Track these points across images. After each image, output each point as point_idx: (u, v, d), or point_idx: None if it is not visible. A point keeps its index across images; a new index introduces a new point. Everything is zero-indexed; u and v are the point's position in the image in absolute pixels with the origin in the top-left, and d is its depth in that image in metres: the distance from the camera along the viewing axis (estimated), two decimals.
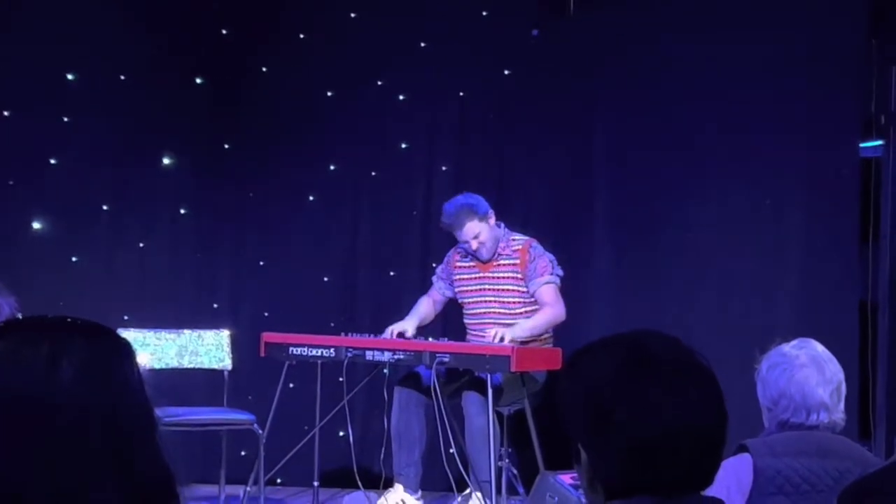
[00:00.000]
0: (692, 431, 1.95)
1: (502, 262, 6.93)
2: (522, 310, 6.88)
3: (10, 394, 1.54)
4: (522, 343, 6.64)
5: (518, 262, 6.89)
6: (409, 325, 6.89)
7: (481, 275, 6.98)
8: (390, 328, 6.86)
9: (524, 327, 6.73)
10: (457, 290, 7.10)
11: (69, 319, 1.64)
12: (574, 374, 2.03)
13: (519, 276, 6.88)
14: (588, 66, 7.71)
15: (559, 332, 6.96)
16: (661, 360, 1.99)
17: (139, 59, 7.91)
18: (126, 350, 1.64)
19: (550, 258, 6.90)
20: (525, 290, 6.88)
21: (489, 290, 6.95)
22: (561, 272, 6.91)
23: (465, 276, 7.05)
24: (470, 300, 7.03)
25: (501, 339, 6.56)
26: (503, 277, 6.91)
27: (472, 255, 6.96)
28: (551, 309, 6.83)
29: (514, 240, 6.97)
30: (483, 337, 6.83)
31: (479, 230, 6.85)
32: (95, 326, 1.64)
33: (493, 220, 6.91)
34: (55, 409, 1.54)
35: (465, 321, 7.07)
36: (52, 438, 1.52)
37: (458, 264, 7.09)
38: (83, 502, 1.52)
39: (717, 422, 1.99)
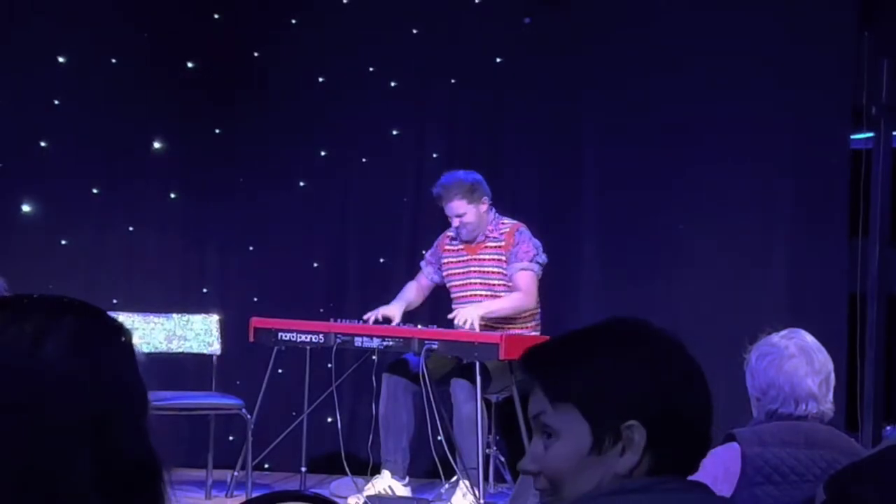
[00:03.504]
0: (711, 407, 1.99)
1: (489, 244, 6.96)
2: (507, 293, 6.91)
3: None
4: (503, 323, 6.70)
5: (503, 243, 6.92)
6: (395, 311, 6.91)
7: (468, 257, 7.01)
8: (373, 312, 6.87)
9: (489, 309, 6.77)
10: (444, 273, 7.12)
11: (59, 298, 1.63)
12: (624, 356, 2.00)
13: (504, 258, 6.91)
14: (580, 55, 7.70)
15: (546, 321, 6.98)
16: (679, 343, 2.02)
17: (131, 43, 7.89)
18: (117, 333, 1.63)
19: (536, 244, 6.92)
20: None
21: (475, 272, 6.97)
22: (544, 259, 6.92)
23: (453, 260, 7.07)
24: (456, 283, 7.05)
25: (466, 323, 6.63)
26: (489, 260, 6.94)
27: (455, 231, 6.98)
28: (520, 296, 6.86)
29: (503, 223, 7.00)
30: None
31: (464, 210, 6.87)
32: (86, 306, 1.63)
33: (484, 207, 6.92)
34: (37, 387, 1.53)
35: (453, 306, 7.08)
36: (31, 417, 1.52)
37: (447, 247, 7.11)
38: (60, 483, 1.52)
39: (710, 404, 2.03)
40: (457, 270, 7.06)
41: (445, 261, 7.12)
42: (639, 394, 1.94)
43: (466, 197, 6.87)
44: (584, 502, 1.94)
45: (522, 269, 6.87)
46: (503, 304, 6.84)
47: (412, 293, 7.15)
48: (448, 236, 7.14)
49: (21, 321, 1.57)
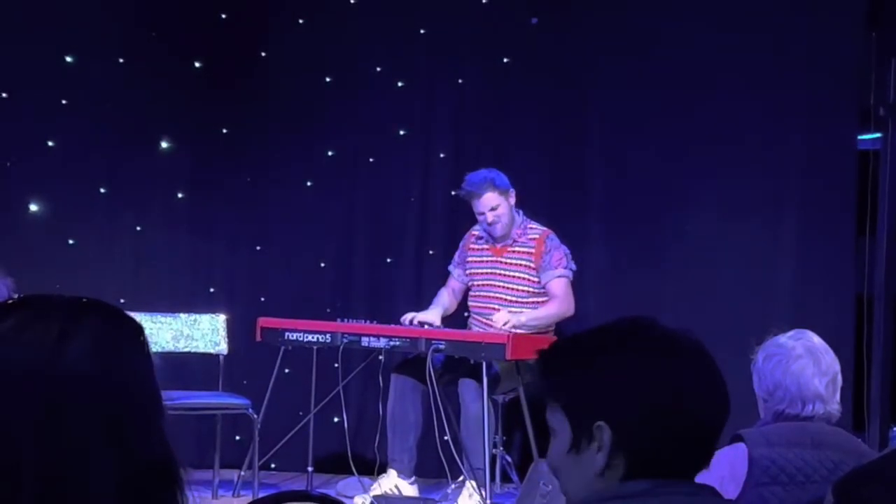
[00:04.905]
0: (713, 415, 2.01)
1: (517, 248, 6.94)
2: (530, 299, 6.89)
3: (15, 368, 1.54)
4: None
5: (533, 251, 6.89)
6: (433, 316, 6.89)
7: (493, 258, 6.99)
8: (411, 315, 6.85)
9: (532, 316, 6.75)
10: (468, 271, 7.10)
11: (85, 299, 1.64)
12: (603, 354, 2.03)
13: (532, 265, 6.88)
14: (587, 55, 7.70)
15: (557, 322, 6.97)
16: (683, 341, 2.04)
17: (138, 43, 7.89)
18: (137, 333, 1.64)
19: (566, 251, 6.91)
20: (535, 279, 6.88)
21: (499, 274, 6.95)
22: (574, 267, 6.91)
23: (477, 259, 7.06)
24: (479, 282, 7.04)
25: (506, 324, 6.59)
26: (515, 264, 6.92)
27: (486, 230, 6.95)
28: (560, 303, 6.83)
29: (531, 228, 6.98)
30: (483, 320, 6.87)
31: (497, 203, 6.86)
32: (109, 307, 1.64)
33: (513, 200, 6.92)
34: (60, 386, 1.54)
35: (470, 303, 7.08)
36: (53, 416, 1.53)
37: (472, 246, 7.10)
38: (80, 481, 1.52)
39: (727, 408, 2.03)
40: (480, 270, 7.05)
41: (470, 259, 7.10)
42: (610, 396, 1.99)
43: (497, 190, 6.87)
44: None
45: (558, 277, 6.86)
46: (543, 313, 6.82)
47: (447, 299, 7.12)
48: (474, 234, 7.13)
49: (44, 321, 1.58)
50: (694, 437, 1.99)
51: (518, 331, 6.60)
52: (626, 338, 2.04)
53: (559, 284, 6.86)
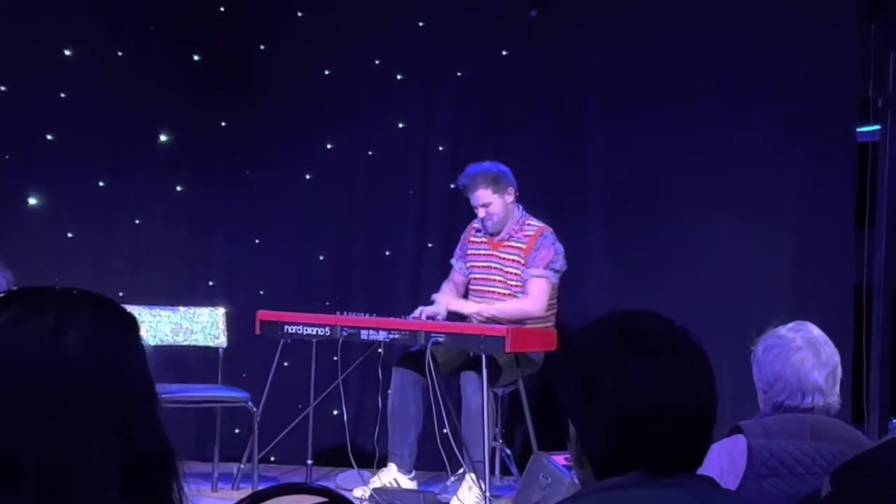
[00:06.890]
0: (679, 408, 1.97)
1: (512, 243, 6.93)
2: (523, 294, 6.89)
3: (13, 361, 1.55)
4: (517, 323, 6.67)
5: (524, 247, 6.88)
6: (440, 307, 6.88)
7: (490, 252, 6.99)
8: (421, 309, 6.85)
9: (498, 309, 6.79)
10: (468, 263, 7.10)
11: (76, 291, 1.64)
12: (567, 349, 2.09)
13: (523, 262, 6.87)
14: (585, 48, 7.70)
15: (557, 315, 6.96)
16: (650, 335, 2.02)
17: (137, 35, 7.89)
18: (131, 324, 1.64)
19: (557, 249, 6.86)
20: None
21: (495, 268, 6.96)
22: (562, 266, 6.87)
23: (475, 252, 7.06)
24: (477, 275, 7.04)
25: (477, 313, 6.65)
26: (510, 259, 6.92)
27: (481, 224, 6.96)
28: (529, 301, 6.80)
29: (529, 224, 6.96)
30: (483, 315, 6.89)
31: (490, 200, 6.85)
32: (102, 299, 1.65)
33: (510, 197, 6.90)
34: (58, 378, 1.54)
35: (471, 297, 7.07)
36: (52, 408, 1.53)
37: (472, 238, 7.10)
38: (81, 472, 1.53)
39: (706, 401, 2.00)
40: (478, 263, 7.05)
41: (470, 252, 7.11)
42: (566, 393, 2.05)
43: (491, 186, 6.85)
44: (578, 499, 2.02)
45: (535, 277, 6.84)
46: (508, 308, 6.81)
47: (449, 292, 7.12)
48: (474, 227, 7.13)
49: (39, 314, 1.58)
50: (660, 432, 1.97)
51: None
52: (583, 340, 2.08)
53: (534, 284, 6.83)
